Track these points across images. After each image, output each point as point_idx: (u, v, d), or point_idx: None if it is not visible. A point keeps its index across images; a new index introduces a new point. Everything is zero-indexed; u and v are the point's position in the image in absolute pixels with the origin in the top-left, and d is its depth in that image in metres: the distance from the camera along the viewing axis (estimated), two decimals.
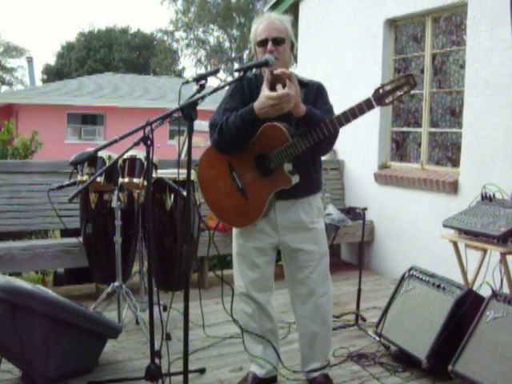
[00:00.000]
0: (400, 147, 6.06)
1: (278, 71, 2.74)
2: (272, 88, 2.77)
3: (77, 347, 3.32)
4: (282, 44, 2.89)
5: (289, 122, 2.85)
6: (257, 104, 2.76)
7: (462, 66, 5.18)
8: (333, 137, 2.86)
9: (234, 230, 3.18)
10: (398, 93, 2.61)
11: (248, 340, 3.22)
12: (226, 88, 2.98)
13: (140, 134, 2.55)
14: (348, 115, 2.70)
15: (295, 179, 2.86)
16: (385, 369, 3.55)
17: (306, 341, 3.21)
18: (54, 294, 3.34)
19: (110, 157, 4.01)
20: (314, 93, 3.00)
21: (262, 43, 2.89)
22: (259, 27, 2.91)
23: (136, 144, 2.59)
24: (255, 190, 2.93)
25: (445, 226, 3.99)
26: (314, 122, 2.77)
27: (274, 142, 2.82)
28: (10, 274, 4.28)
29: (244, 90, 3.00)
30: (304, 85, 2.99)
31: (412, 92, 5.72)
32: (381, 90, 2.65)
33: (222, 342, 4.00)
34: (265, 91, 2.75)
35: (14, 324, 3.02)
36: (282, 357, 3.34)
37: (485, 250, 3.79)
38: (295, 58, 3.04)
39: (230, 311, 3.25)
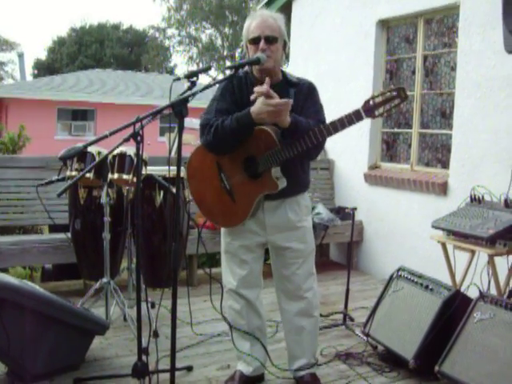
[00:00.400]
0: (390, 148, 6.07)
1: (257, 89, 2.74)
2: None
3: (64, 343, 3.31)
4: (275, 43, 2.87)
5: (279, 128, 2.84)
6: (254, 109, 2.75)
7: (454, 68, 5.20)
8: (321, 144, 2.86)
9: (222, 229, 3.18)
10: (388, 105, 2.57)
11: (236, 337, 3.22)
12: (217, 86, 2.97)
13: (130, 130, 2.54)
14: (337, 125, 2.69)
15: (282, 184, 2.87)
16: (372, 368, 3.56)
17: (293, 336, 3.21)
18: (42, 289, 3.32)
19: (99, 152, 4.00)
20: (305, 92, 2.98)
21: (254, 41, 2.87)
22: (252, 24, 2.89)
23: (126, 140, 2.58)
24: (242, 192, 2.93)
25: (434, 227, 4.01)
26: (300, 131, 2.76)
27: (263, 146, 2.82)
28: None
29: (234, 88, 2.98)
30: (294, 84, 2.98)
31: (406, 100, 5.76)
32: (371, 102, 2.62)
33: (209, 339, 3.99)
34: (265, 98, 2.74)
35: (1, 319, 3.00)
36: (270, 355, 3.34)
37: (473, 252, 3.81)
38: (287, 56, 3.03)
39: (220, 309, 3.24)
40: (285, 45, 2.97)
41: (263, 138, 2.82)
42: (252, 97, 2.74)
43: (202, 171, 3.04)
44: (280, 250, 3.10)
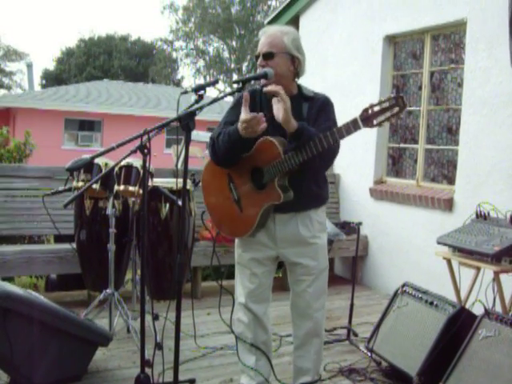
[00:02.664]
0: (396, 163, 6.08)
1: (267, 88, 2.75)
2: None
3: (67, 354, 3.30)
4: (271, 58, 2.86)
5: (286, 138, 2.84)
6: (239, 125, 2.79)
7: (460, 85, 5.21)
8: (327, 154, 2.81)
9: (236, 240, 3.19)
10: (387, 114, 2.53)
11: (242, 350, 3.21)
12: (226, 99, 3.00)
13: (137, 142, 2.56)
14: (335, 135, 2.66)
15: (287, 196, 2.85)
16: None
17: (300, 352, 3.19)
18: (46, 299, 3.33)
19: (106, 164, 4.02)
20: (318, 107, 2.97)
21: (257, 58, 2.92)
22: (259, 42, 2.93)
23: (133, 152, 2.60)
24: (249, 202, 2.94)
25: (439, 243, 4.00)
26: (305, 138, 2.73)
27: (268, 156, 2.83)
28: (3, 279, 4.27)
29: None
30: (308, 98, 2.98)
31: (409, 109, 5.79)
32: (369, 111, 2.58)
33: (212, 353, 3.98)
34: (242, 113, 2.76)
35: (4, 329, 3.00)
36: (274, 370, 3.32)
37: (478, 269, 3.80)
38: (298, 71, 3.00)
39: (230, 321, 3.23)
40: (293, 59, 2.94)
41: (269, 149, 2.83)
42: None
43: (214, 181, 3.07)
44: (291, 265, 3.09)
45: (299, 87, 3.03)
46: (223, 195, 3.02)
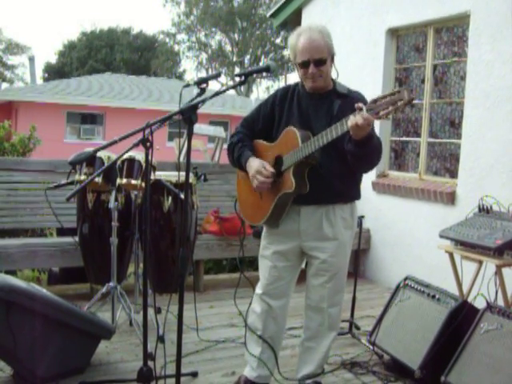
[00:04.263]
0: (399, 156, 6.07)
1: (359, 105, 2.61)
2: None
3: (69, 347, 3.32)
4: (324, 64, 2.88)
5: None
6: (252, 164, 2.96)
7: (463, 78, 5.20)
8: (359, 155, 2.77)
9: (263, 232, 3.21)
10: (393, 106, 2.51)
11: (249, 340, 3.22)
12: (228, 92, 3.02)
13: (140, 136, 2.56)
14: (343, 124, 2.63)
15: (300, 186, 2.86)
16: (377, 378, 3.56)
17: (310, 343, 3.20)
18: (49, 293, 3.33)
19: (109, 157, 4.01)
20: (351, 108, 2.83)
21: (304, 64, 2.89)
22: (299, 44, 2.88)
23: (135, 145, 2.60)
24: (268, 190, 2.97)
25: (441, 236, 4.00)
26: (372, 145, 2.73)
27: (289, 146, 2.87)
28: (5, 272, 4.28)
29: (276, 99, 3.07)
30: (341, 95, 2.97)
31: (412, 102, 5.77)
32: (375, 103, 2.57)
33: (215, 346, 3.99)
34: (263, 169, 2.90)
35: (8, 322, 3.01)
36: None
37: (480, 262, 3.80)
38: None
39: (246, 312, 3.26)
40: (333, 57, 2.96)
41: (290, 139, 2.87)
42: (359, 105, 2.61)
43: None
44: (310, 258, 3.09)
45: (334, 83, 3.03)
46: (249, 181, 3.06)
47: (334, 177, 2.93)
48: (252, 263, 5.29)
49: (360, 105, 2.55)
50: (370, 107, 2.55)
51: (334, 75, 3.05)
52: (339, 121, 2.67)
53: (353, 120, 2.55)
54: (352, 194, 3.10)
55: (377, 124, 5.75)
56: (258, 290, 3.19)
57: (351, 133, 2.61)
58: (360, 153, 2.75)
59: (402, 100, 2.48)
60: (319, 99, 2.97)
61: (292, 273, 3.17)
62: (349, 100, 2.93)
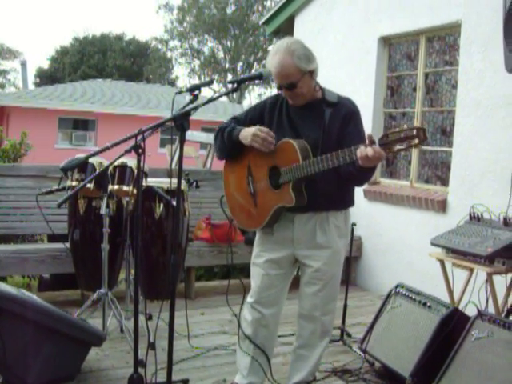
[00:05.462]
0: (390, 164, 6.09)
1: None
2: None
3: (60, 354, 3.29)
4: (295, 88, 2.85)
5: (314, 146, 2.84)
6: (243, 133, 2.92)
7: (454, 86, 5.23)
8: (357, 177, 2.80)
9: (255, 239, 3.19)
10: (406, 144, 2.46)
11: (239, 348, 3.20)
12: (221, 99, 3.02)
13: (132, 142, 2.56)
14: (352, 154, 2.60)
15: (300, 201, 2.85)
16: None
17: (302, 351, 3.18)
18: (39, 299, 3.32)
19: (100, 163, 4.01)
20: (343, 116, 2.92)
21: (279, 88, 2.91)
22: (272, 69, 2.85)
23: (127, 152, 2.60)
24: (263, 198, 2.97)
25: (432, 244, 4.01)
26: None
27: (287, 158, 2.84)
28: None
29: (265, 107, 3.07)
30: (331, 104, 2.95)
31: (403, 110, 5.80)
32: (389, 137, 2.51)
33: (206, 353, 3.97)
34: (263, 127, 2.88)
35: None
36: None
37: (471, 270, 3.81)
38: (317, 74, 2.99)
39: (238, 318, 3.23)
40: (310, 72, 2.90)
41: (289, 152, 2.84)
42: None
43: (235, 171, 3.12)
44: (303, 266, 3.07)
45: (323, 91, 3.01)
46: (241, 185, 3.07)
47: (328, 183, 2.91)
48: (243, 270, 5.29)
49: (372, 136, 2.53)
50: (382, 141, 2.51)
51: (320, 83, 3.04)
52: (349, 141, 2.67)
53: (363, 151, 2.52)
54: (346, 199, 3.09)
55: (369, 130, 5.77)
56: (250, 298, 3.16)
57: (360, 162, 2.57)
58: (360, 176, 2.78)
59: (417, 138, 2.44)
60: (309, 109, 2.96)
61: (284, 281, 3.16)
62: (339, 107, 2.95)
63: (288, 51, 2.82)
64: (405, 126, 2.48)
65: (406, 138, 2.46)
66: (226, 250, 3.28)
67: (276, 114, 3.03)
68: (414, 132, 2.45)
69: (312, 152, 2.82)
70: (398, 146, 2.49)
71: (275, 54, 2.85)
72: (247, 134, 2.90)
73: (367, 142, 2.53)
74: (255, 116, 3.08)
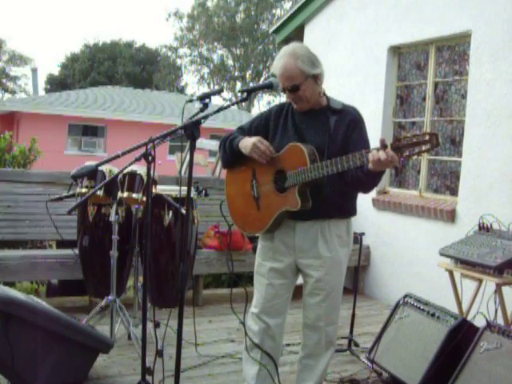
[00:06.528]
0: (399, 173, 6.08)
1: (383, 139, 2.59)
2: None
3: (67, 360, 3.30)
4: (298, 91, 2.86)
5: (320, 152, 2.84)
6: (242, 144, 2.94)
7: (464, 96, 5.22)
8: (365, 182, 2.79)
9: (257, 249, 3.19)
10: (418, 149, 2.46)
11: (246, 358, 3.19)
12: (230, 108, 3.04)
13: (142, 150, 2.57)
14: (363, 157, 2.60)
15: (305, 205, 2.84)
16: None
17: (308, 360, 3.17)
18: (47, 305, 3.33)
19: (110, 170, 4.03)
20: (348, 122, 2.92)
21: (283, 91, 2.91)
22: (277, 72, 2.88)
23: (137, 160, 2.62)
24: (267, 202, 2.96)
25: (441, 254, 3.99)
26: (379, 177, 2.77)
27: (294, 162, 2.83)
28: (4, 283, 4.27)
29: (270, 115, 3.08)
30: (336, 111, 2.96)
31: (413, 120, 5.80)
32: (402, 141, 2.51)
33: (213, 361, 3.97)
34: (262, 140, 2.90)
35: (6, 334, 3.00)
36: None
37: (480, 281, 3.80)
38: (322, 81, 2.98)
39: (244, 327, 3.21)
40: (315, 77, 2.90)
41: (296, 155, 2.83)
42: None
43: (239, 174, 3.11)
44: (305, 276, 3.06)
45: (328, 99, 3.02)
46: (244, 190, 3.06)
47: (332, 190, 2.90)
48: (251, 278, 5.29)
49: (385, 140, 2.53)
50: (394, 145, 2.51)
51: (329, 92, 3.05)
52: (354, 148, 2.66)
53: (375, 155, 2.52)
54: (348, 207, 3.07)
55: (377, 140, 5.76)
56: (254, 308, 3.15)
57: (371, 166, 2.57)
58: (368, 181, 2.77)
59: (429, 144, 2.44)
60: (314, 115, 2.96)
61: (288, 290, 3.15)
62: (344, 115, 2.95)
63: (292, 54, 2.86)
64: (417, 132, 2.48)
65: (419, 143, 2.46)
66: (231, 256, 3.25)
67: (281, 121, 3.03)
68: (427, 137, 2.45)
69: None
70: (410, 151, 2.49)
71: (280, 58, 2.88)
72: (247, 143, 2.92)
73: (380, 145, 2.53)
74: (260, 124, 3.09)
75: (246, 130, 3.11)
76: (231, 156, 3.05)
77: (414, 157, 2.56)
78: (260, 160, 2.90)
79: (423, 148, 2.46)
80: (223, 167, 3.20)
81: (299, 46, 2.95)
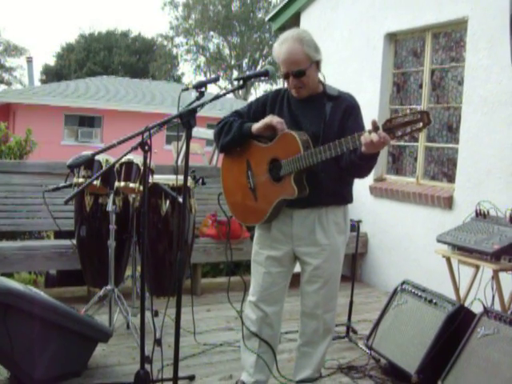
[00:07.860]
0: (396, 161, 6.08)
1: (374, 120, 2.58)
2: None
3: (66, 350, 3.31)
4: (303, 75, 2.84)
5: (315, 138, 2.84)
6: (255, 125, 2.91)
7: (461, 83, 5.21)
8: (360, 166, 2.77)
9: (254, 236, 3.18)
10: (410, 128, 2.46)
11: (244, 346, 3.20)
12: (227, 96, 3.02)
13: (138, 139, 2.57)
14: (356, 141, 2.60)
15: (302, 192, 2.83)
16: (374, 382, 3.56)
17: (306, 348, 3.18)
18: (46, 295, 3.33)
19: (107, 160, 4.01)
20: (343, 109, 2.91)
21: (285, 76, 2.89)
22: (279, 57, 2.86)
23: (134, 149, 2.61)
24: (264, 192, 2.95)
25: (438, 241, 4.01)
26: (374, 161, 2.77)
27: (288, 150, 2.82)
28: (2, 274, 4.27)
29: (267, 101, 3.06)
30: (332, 98, 2.95)
31: (409, 107, 5.79)
32: (392, 122, 2.50)
33: (212, 349, 3.99)
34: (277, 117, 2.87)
35: (5, 325, 3.01)
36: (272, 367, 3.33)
37: (477, 267, 3.81)
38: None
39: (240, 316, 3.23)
40: (317, 62, 2.91)
41: (290, 143, 2.82)
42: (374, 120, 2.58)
43: (233, 166, 3.10)
44: (303, 264, 3.06)
45: (324, 86, 3.01)
46: (240, 181, 3.05)
47: (328, 176, 2.91)
48: (249, 267, 5.31)
49: (376, 122, 2.51)
50: (386, 126, 2.50)
51: (322, 78, 3.03)
52: (350, 135, 2.63)
53: (367, 137, 2.52)
54: (344, 194, 3.07)
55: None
56: (252, 296, 3.15)
57: (364, 149, 2.57)
58: (363, 165, 2.75)
59: (421, 122, 2.43)
60: (310, 102, 2.95)
61: (286, 278, 3.15)
62: (340, 101, 2.95)
63: (298, 38, 2.84)
64: (408, 111, 2.47)
65: (410, 122, 2.46)
66: (230, 247, 3.25)
67: (277, 107, 3.02)
68: (418, 116, 2.45)
69: (312, 144, 2.81)
70: (402, 131, 2.48)
71: (283, 43, 2.86)
72: (260, 123, 2.89)
73: (372, 127, 2.52)
74: (258, 109, 3.07)
75: (243, 115, 3.09)
76: (239, 141, 2.98)
77: (407, 137, 2.55)
78: (278, 126, 2.84)
79: (415, 127, 2.45)
80: (220, 152, 3.17)
81: (303, 30, 2.95)
